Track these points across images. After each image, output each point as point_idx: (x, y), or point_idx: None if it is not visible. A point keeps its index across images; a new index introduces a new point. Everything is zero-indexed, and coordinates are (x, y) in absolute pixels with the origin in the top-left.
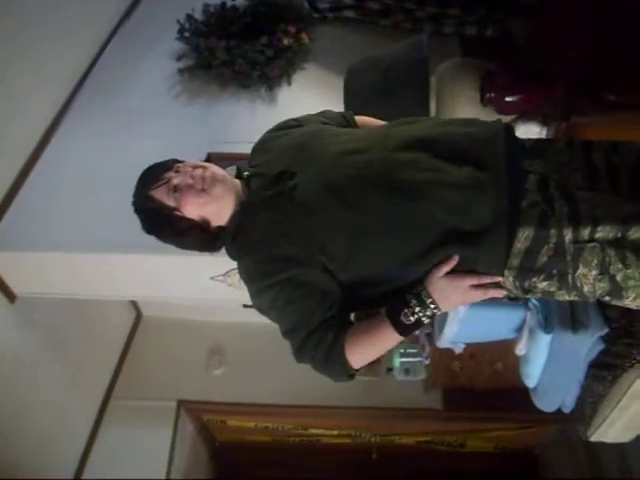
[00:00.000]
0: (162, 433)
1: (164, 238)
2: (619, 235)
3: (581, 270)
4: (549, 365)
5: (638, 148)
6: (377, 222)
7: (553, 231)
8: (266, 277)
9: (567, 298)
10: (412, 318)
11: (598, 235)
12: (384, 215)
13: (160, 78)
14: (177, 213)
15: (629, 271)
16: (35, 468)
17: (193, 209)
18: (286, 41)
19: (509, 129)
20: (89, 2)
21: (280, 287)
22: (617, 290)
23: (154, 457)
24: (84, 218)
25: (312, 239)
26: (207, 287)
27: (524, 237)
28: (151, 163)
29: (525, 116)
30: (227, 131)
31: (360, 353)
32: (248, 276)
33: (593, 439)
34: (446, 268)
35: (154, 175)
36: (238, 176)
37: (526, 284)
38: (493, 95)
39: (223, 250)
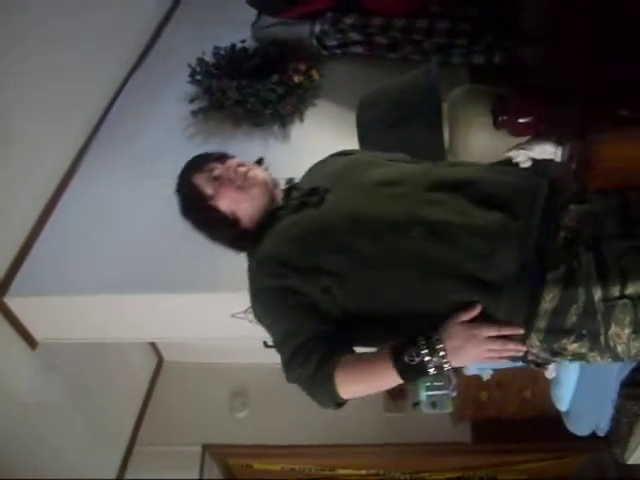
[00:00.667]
0: (188, 478)
1: (195, 224)
2: None
3: (613, 329)
4: (580, 386)
5: None
6: (389, 254)
7: (581, 290)
8: (267, 280)
9: (599, 360)
10: (416, 359)
11: (629, 291)
12: (399, 250)
13: (174, 120)
14: (211, 203)
15: None
16: None
17: (227, 203)
18: (297, 79)
19: (554, 184)
20: (102, 50)
21: (277, 293)
22: None
23: None
24: (102, 261)
25: (320, 257)
26: (228, 325)
27: (550, 298)
28: (168, 205)
29: (539, 136)
30: None
31: (351, 384)
32: (252, 277)
33: (631, 462)
34: (465, 316)
35: (200, 162)
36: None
37: (555, 346)
38: (506, 118)
39: (242, 285)
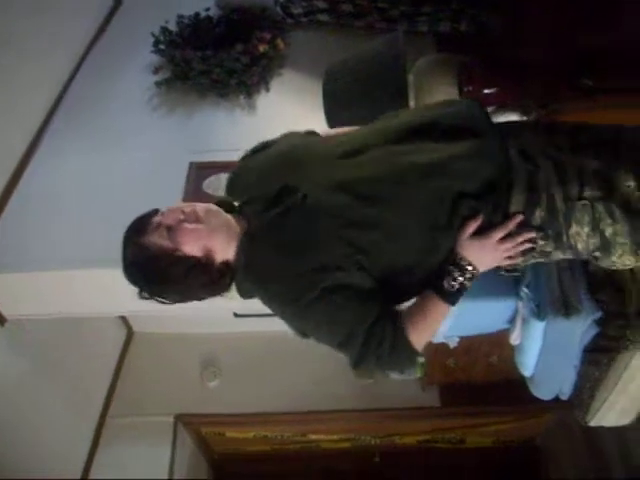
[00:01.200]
0: (161, 448)
1: (168, 288)
2: (606, 191)
3: (574, 228)
4: (544, 353)
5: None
6: (397, 209)
7: (543, 193)
8: (304, 294)
9: (561, 257)
10: (455, 284)
11: (587, 193)
12: (402, 201)
13: (138, 92)
14: (178, 254)
15: (618, 226)
16: None
17: (193, 244)
18: (262, 48)
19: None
20: (63, 21)
21: (324, 298)
22: (606, 245)
23: (154, 473)
24: (68, 236)
25: (339, 239)
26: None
27: (516, 201)
28: (134, 176)
29: (504, 107)
30: (208, 140)
31: (419, 335)
32: (280, 302)
33: (593, 424)
34: (470, 229)
35: (142, 224)
36: (227, 210)
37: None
38: (471, 88)
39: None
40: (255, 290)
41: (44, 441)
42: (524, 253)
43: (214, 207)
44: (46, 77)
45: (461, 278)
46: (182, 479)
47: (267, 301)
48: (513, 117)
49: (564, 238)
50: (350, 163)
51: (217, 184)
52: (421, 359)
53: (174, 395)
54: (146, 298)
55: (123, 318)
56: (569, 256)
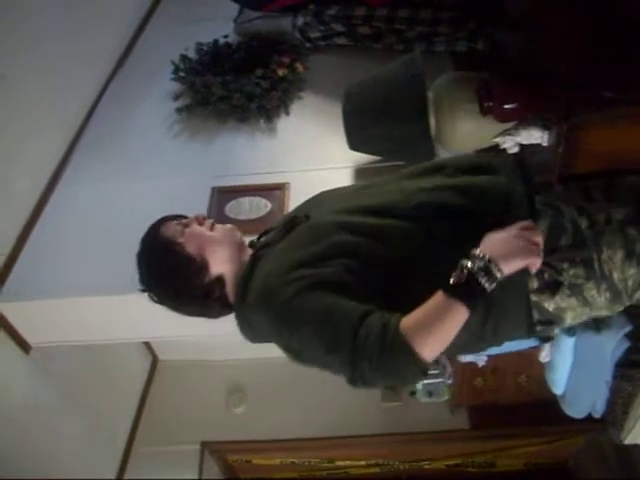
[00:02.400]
0: (188, 477)
1: (161, 281)
2: (636, 213)
3: (606, 253)
4: (575, 369)
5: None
6: (399, 219)
7: (568, 223)
8: (288, 289)
9: (597, 295)
10: (463, 274)
11: (614, 217)
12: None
13: (159, 119)
14: (177, 248)
15: None
16: None
17: (194, 245)
18: (281, 72)
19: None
20: (84, 51)
21: (312, 292)
22: None
23: None
24: (91, 263)
25: (331, 239)
26: (222, 321)
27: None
28: (156, 203)
29: (525, 121)
30: (229, 165)
31: (421, 335)
32: (270, 313)
33: (627, 442)
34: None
35: (168, 218)
36: (251, 245)
37: (552, 273)
38: (491, 104)
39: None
40: (250, 311)
41: (69, 473)
42: (554, 292)
43: (235, 228)
44: (69, 107)
45: (470, 265)
46: None
47: (261, 318)
48: (534, 132)
49: (595, 265)
50: (362, 193)
51: (239, 208)
52: (449, 381)
53: (200, 422)
54: (145, 292)
55: (148, 346)
56: (605, 295)
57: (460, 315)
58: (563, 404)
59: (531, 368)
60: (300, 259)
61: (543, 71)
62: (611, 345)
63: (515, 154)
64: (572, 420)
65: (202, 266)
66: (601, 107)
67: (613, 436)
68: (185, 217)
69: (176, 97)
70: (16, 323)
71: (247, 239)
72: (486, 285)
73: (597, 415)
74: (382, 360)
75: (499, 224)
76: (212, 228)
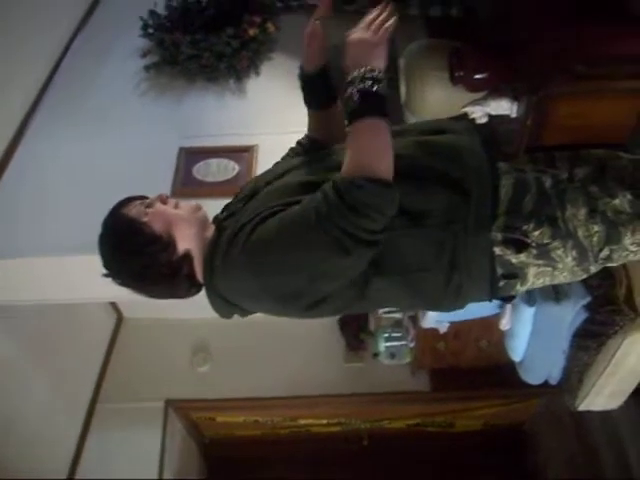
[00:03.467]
0: (151, 434)
1: (129, 261)
2: (597, 171)
3: (570, 210)
4: (534, 338)
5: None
6: None
7: (531, 179)
8: (245, 233)
9: (564, 254)
10: (353, 96)
11: (576, 175)
12: None
13: (127, 76)
14: (143, 226)
15: (616, 202)
16: (23, 476)
17: (159, 223)
18: (252, 32)
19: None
20: (49, 5)
21: (264, 223)
22: (613, 230)
23: (145, 458)
24: (55, 222)
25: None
26: None
27: (505, 190)
28: (124, 161)
29: (495, 92)
30: (198, 125)
31: (362, 162)
32: (246, 239)
33: (581, 408)
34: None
35: (128, 200)
36: (214, 220)
37: (517, 234)
38: (462, 73)
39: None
40: (218, 282)
41: (33, 428)
42: (519, 250)
43: (199, 206)
44: (33, 62)
45: (352, 87)
46: (173, 464)
47: (230, 278)
48: (504, 103)
49: (560, 223)
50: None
51: (206, 169)
52: (411, 344)
53: (164, 380)
54: (109, 276)
55: (113, 304)
56: (572, 253)
57: (380, 126)
58: (521, 370)
59: (492, 334)
60: (254, 209)
61: (515, 42)
62: (570, 315)
63: (482, 125)
64: (529, 384)
65: (169, 243)
66: (571, 80)
67: (568, 402)
68: (147, 197)
69: (144, 54)
70: None
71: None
72: (379, 87)
73: (553, 382)
74: (353, 206)
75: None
76: (176, 206)
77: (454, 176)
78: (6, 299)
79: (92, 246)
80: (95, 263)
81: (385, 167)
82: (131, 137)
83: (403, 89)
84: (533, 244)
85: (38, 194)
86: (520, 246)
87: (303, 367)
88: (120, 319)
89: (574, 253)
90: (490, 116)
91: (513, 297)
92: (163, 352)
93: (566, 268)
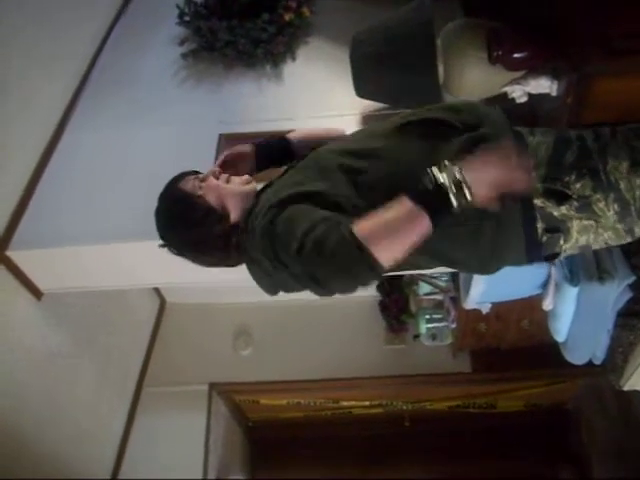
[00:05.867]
0: (197, 417)
1: (185, 233)
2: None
3: (612, 163)
4: (577, 318)
5: None
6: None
7: (573, 137)
8: (282, 202)
9: (605, 207)
10: (427, 181)
11: (619, 129)
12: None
13: (164, 65)
14: (198, 200)
15: None
16: (73, 462)
17: (213, 196)
18: (287, 16)
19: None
20: None
21: (286, 207)
22: None
23: (190, 441)
24: (101, 210)
25: (326, 155)
26: (229, 271)
27: (545, 146)
28: (164, 149)
29: (535, 71)
30: (236, 111)
31: (375, 233)
32: (265, 224)
33: (626, 388)
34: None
35: (182, 175)
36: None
37: (558, 185)
38: (500, 52)
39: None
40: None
41: (80, 414)
42: (560, 202)
43: (250, 179)
44: (72, 53)
45: (438, 175)
46: (218, 447)
47: (256, 238)
48: (543, 82)
49: (602, 175)
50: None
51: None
52: (452, 325)
53: (208, 364)
54: (166, 247)
55: (156, 289)
56: (614, 207)
57: (422, 226)
58: (564, 351)
59: (534, 314)
60: (287, 183)
61: (554, 19)
62: (614, 295)
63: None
64: (573, 364)
65: (222, 215)
66: (611, 58)
67: (613, 382)
68: (200, 172)
69: (181, 42)
70: (28, 271)
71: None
72: (454, 202)
73: (597, 362)
74: (331, 256)
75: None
76: (228, 180)
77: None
78: (55, 287)
79: (137, 233)
80: (140, 250)
81: (391, 257)
82: (171, 124)
83: (441, 70)
84: (574, 196)
85: (82, 183)
86: (561, 198)
87: (344, 349)
88: (163, 304)
89: (616, 207)
90: (530, 95)
91: (557, 255)
92: (205, 336)
93: (609, 224)
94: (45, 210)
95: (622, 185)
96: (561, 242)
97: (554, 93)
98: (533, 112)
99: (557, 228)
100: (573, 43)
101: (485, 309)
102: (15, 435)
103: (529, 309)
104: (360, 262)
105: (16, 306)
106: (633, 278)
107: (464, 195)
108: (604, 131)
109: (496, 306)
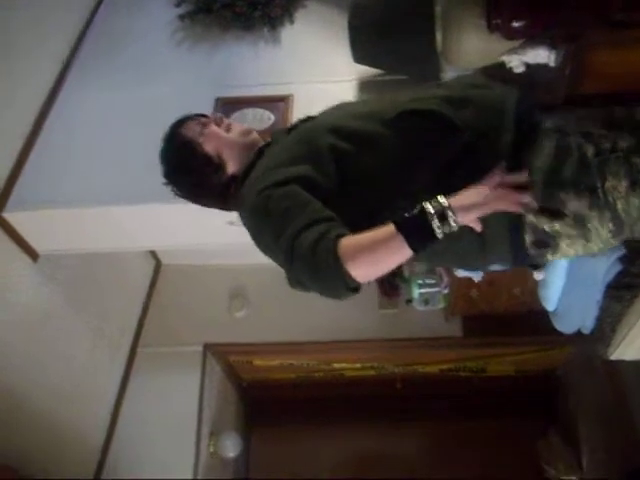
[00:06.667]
0: (191, 377)
1: (185, 177)
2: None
3: (610, 182)
4: (568, 288)
5: None
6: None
7: (574, 145)
8: (264, 183)
9: (600, 226)
10: (414, 211)
11: (620, 145)
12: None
13: (162, 26)
14: (197, 147)
15: None
16: (68, 421)
17: (212, 145)
18: None
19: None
20: None
21: (278, 187)
22: None
23: (185, 400)
24: (98, 172)
25: (319, 141)
26: (225, 232)
27: (545, 153)
28: (160, 111)
29: (533, 40)
30: (233, 74)
31: (356, 251)
32: (253, 203)
33: (613, 358)
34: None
35: (187, 118)
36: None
37: (553, 202)
38: (499, 21)
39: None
40: (241, 197)
41: (76, 374)
42: (554, 218)
43: (250, 129)
44: (68, 14)
45: (427, 206)
46: (212, 407)
47: (242, 209)
48: (542, 52)
49: (600, 194)
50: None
51: (242, 119)
52: (445, 290)
53: (202, 325)
54: (168, 185)
55: (152, 252)
56: (609, 225)
57: (400, 251)
58: (554, 319)
59: (525, 281)
60: (283, 159)
61: None
62: (604, 267)
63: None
64: (562, 333)
65: (219, 165)
66: (611, 28)
67: (600, 351)
68: (204, 116)
69: (178, 3)
70: (24, 232)
71: None
72: (437, 230)
73: (586, 331)
74: (312, 266)
75: (480, 143)
76: (229, 129)
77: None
78: (51, 249)
79: (134, 196)
80: (137, 213)
81: (365, 278)
82: (168, 87)
83: (439, 38)
84: (569, 214)
85: (79, 144)
86: (556, 214)
87: (337, 313)
88: (159, 266)
89: (611, 225)
90: (528, 65)
91: (540, 265)
92: (201, 298)
93: (601, 239)
94: (41, 171)
95: (619, 205)
96: (548, 255)
97: (552, 63)
98: (531, 82)
99: (547, 243)
100: (572, 13)
101: (477, 277)
102: (7, 394)
103: (521, 277)
104: (338, 279)
105: (12, 267)
106: (623, 251)
107: (448, 224)
108: (604, 144)
109: (488, 274)
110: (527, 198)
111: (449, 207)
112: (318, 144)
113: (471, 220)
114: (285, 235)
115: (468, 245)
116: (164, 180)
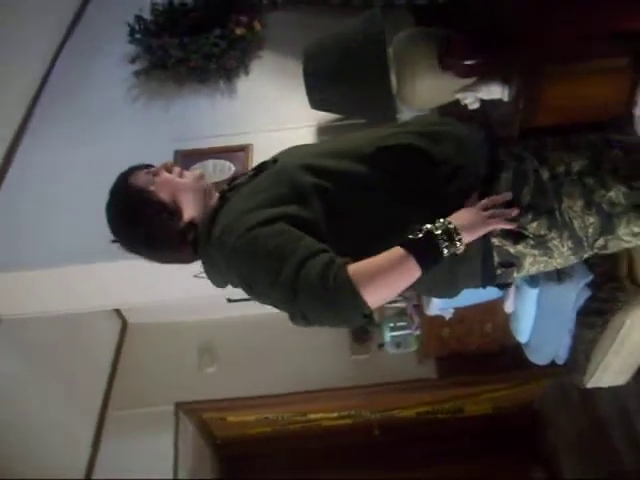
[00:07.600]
0: (164, 438)
1: (137, 229)
2: (592, 164)
3: (566, 203)
4: (539, 319)
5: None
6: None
7: (530, 172)
8: (254, 224)
9: (560, 244)
10: (420, 233)
11: (574, 169)
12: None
13: (117, 83)
14: (150, 196)
15: (611, 194)
16: None
17: (166, 191)
18: (239, 31)
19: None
20: (35, 14)
21: (263, 227)
22: (608, 222)
23: (159, 462)
24: (58, 231)
25: (294, 180)
26: (191, 286)
27: (504, 184)
28: (118, 167)
29: (486, 77)
30: (191, 127)
31: (367, 277)
32: (232, 246)
33: (589, 386)
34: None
35: (135, 168)
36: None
37: (515, 227)
38: (452, 60)
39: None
40: (212, 250)
41: (45, 440)
42: (517, 241)
43: (203, 174)
44: (22, 74)
45: (429, 226)
46: (187, 466)
47: (219, 256)
48: (495, 87)
49: (557, 215)
50: (330, 142)
51: (204, 170)
52: (416, 332)
53: (173, 383)
54: (117, 242)
55: (117, 310)
56: (568, 244)
57: (411, 271)
58: (527, 352)
59: (496, 317)
60: (262, 200)
61: (503, 26)
62: (573, 294)
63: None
64: (537, 365)
65: (175, 211)
66: (560, 61)
67: (576, 381)
68: (152, 166)
69: (133, 60)
70: None
71: None
72: (444, 250)
73: (560, 362)
74: (324, 296)
75: (459, 174)
76: (181, 175)
77: (455, 163)
78: (9, 313)
79: (92, 254)
80: (96, 271)
81: (378, 302)
82: (126, 143)
83: (394, 79)
84: (530, 235)
85: (38, 204)
86: (518, 237)
87: (310, 362)
88: (125, 325)
89: (570, 243)
90: (482, 101)
91: (510, 284)
92: (169, 355)
93: (561, 256)
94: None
95: (576, 224)
96: (514, 274)
97: (506, 98)
98: (486, 118)
99: (511, 263)
100: (522, 49)
101: (448, 315)
102: None
103: (491, 312)
104: (352, 307)
105: None
106: (591, 277)
107: (454, 244)
108: (558, 168)
109: (459, 311)
110: (516, 211)
111: (455, 228)
112: (300, 183)
113: (475, 236)
114: (285, 270)
115: (440, 276)
116: (112, 237)
